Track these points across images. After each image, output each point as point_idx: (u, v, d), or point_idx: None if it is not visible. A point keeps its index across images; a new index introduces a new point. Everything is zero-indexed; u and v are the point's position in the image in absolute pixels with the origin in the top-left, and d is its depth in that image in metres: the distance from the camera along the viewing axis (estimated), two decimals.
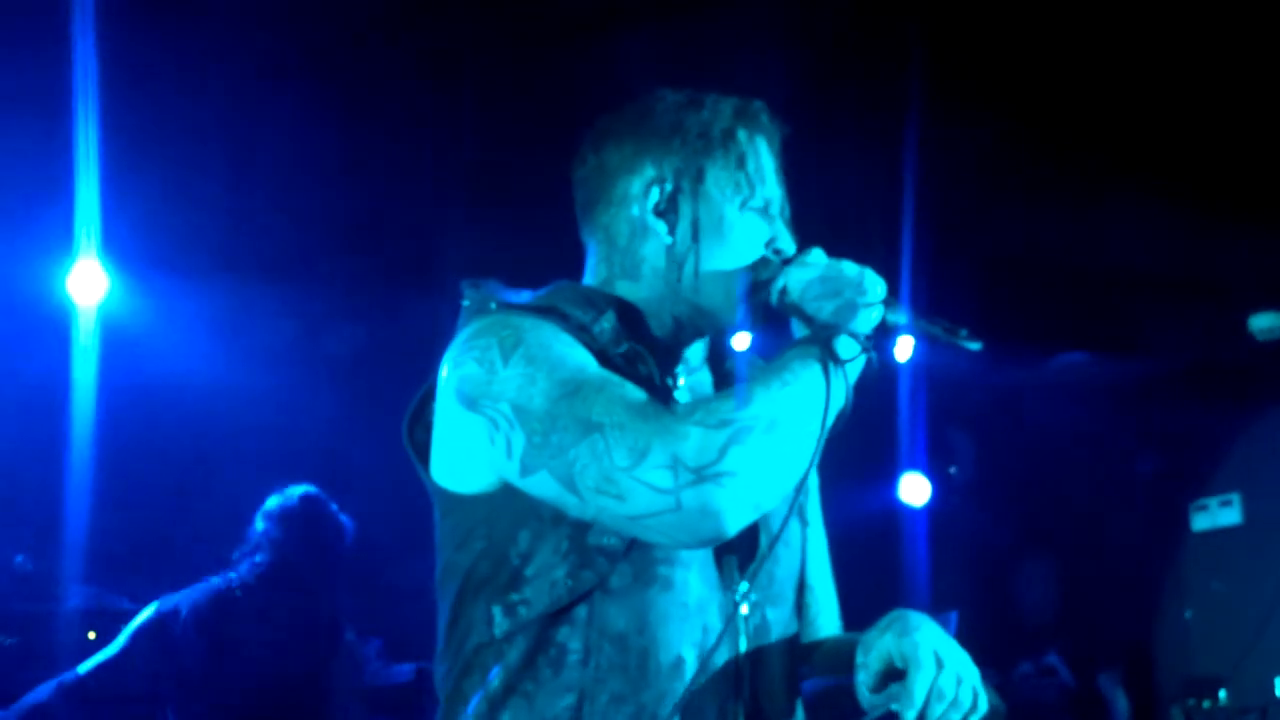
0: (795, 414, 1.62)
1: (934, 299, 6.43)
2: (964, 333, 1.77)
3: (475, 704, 1.76)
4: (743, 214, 1.87)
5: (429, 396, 1.81)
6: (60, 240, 4.96)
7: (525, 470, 1.65)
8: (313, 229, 5.59)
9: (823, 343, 1.70)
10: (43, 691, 3.97)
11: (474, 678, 1.77)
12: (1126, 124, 5.19)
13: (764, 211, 1.88)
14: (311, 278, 5.85)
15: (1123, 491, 7.52)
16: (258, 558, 4.17)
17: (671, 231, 1.87)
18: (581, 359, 1.70)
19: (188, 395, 5.69)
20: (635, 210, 1.89)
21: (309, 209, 5.45)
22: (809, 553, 2.04)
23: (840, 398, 1.67)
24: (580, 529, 1.71)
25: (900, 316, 1.76)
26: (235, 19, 4.51)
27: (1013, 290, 6.62)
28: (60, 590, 5.13)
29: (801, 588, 1.98)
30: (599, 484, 1.59)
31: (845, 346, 1.70)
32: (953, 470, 8.04)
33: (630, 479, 1.57)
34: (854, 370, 1.71)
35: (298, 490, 4.29)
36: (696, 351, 1.96)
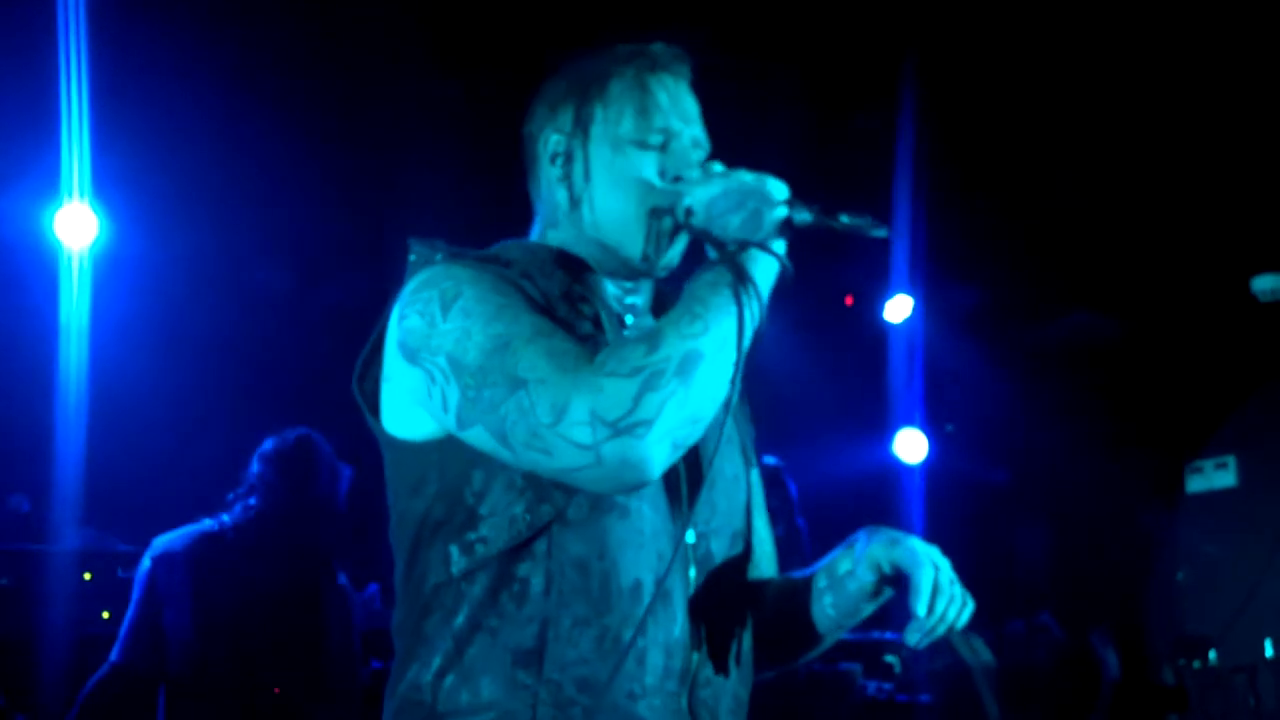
0: (707, 346, 1.66)
1: (942, 258, 6.46)
2: (868, 220, 1.78)
3: (440, 643, 1.78)
4: (633, 150, 1.90)
5: (377, 347, 1.85)
6: (49, 183, 4.93)
7: (461, 424, 1.71)
8: (308, 173, 5.56)
9: (731, 262, 1.73)
10: (97, 694, 3.99)
11: (434, 618, 1.79)
12: (1127, 84, 5.16)
13: (663, 145, 1.91)
14: (307, 221, 5.82)
15: (1119, 451, 7.51)
16: (251, 500, 4.16)
17: (568, 178, 1.94)
18: (518, 307, 1.74)
19: (182, 337, 5.68)
20: (545, 166, 1.97)
21: (305, 152, 5.42)
22: (753, 496, 2.06)
23: (754, 318, 1.71)
24: None
25: (806, 215, 1.76)
26: None
27: (1018, 250, 6.61)
28: (56, 531, 5.13)
29: (749, 527, 2.01)
30: (527, 440, 1.65)
31: (756, 260, 1.74)
32: (949, 427, 8.04)
33: (554, 435, 1.63)
34: (767, 282, 1.75)
35: (294, 433, 4.28)
36: (643, 291, 1.98)
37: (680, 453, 1.67)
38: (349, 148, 5.50)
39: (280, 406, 4.83)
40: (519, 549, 1.75)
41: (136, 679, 4.00)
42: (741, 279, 1.71)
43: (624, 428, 1.60)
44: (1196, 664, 6.92)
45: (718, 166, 1.88)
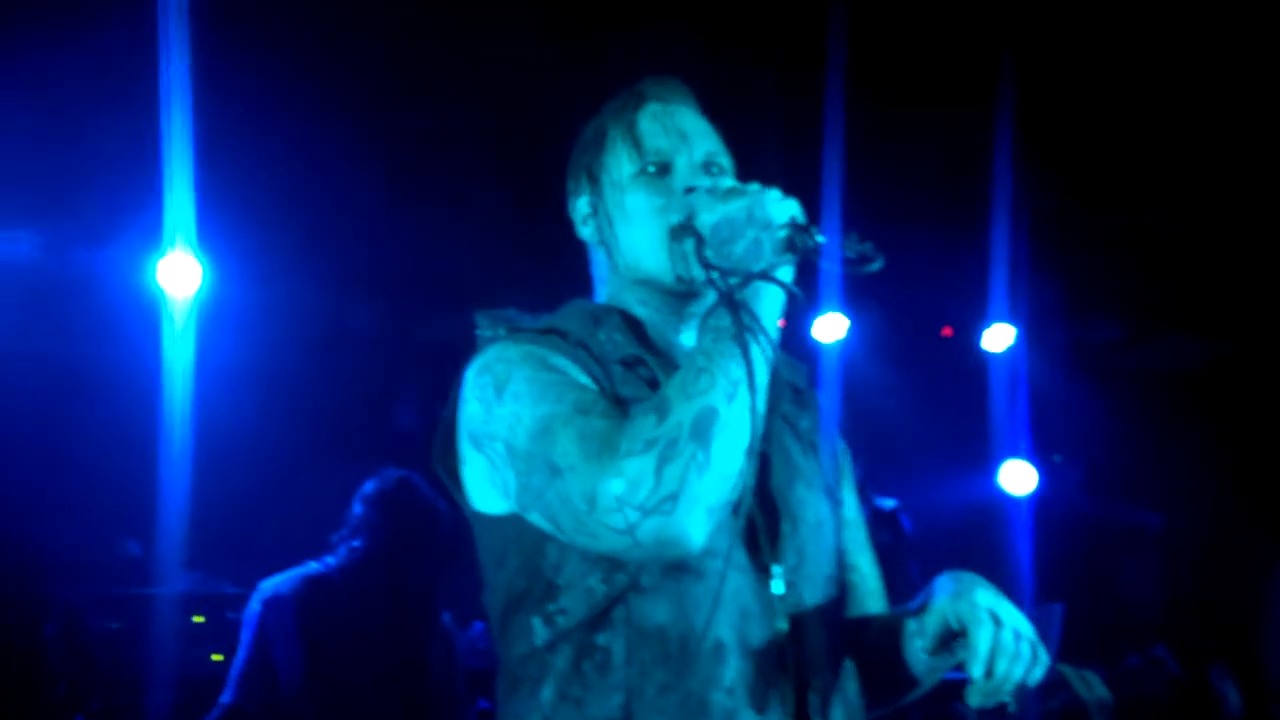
0: (718, 400, 1.64)
1: (1043, 285, 6.36)
2: (869, 248, 1.71)
3: (527, 717, 1.79)
4: (636, 183, 1.92)
5: (450, 424, 1.88)
6: (152, 232, 5.04)
7: (521, 508, 1.76)
8: (405, 217, 5.63)
9: (731, 303, 1.71)
10: None
11: (522, 690, 1.81)
12: (1237, 101, 5.04)
13: (662, 169, 1.92)
14: (403, 264, 5.89)
15: (1234, 479, 7.32)
16: (355, 541, 4.21)
17: (598, 232, 1.98)
18: (564, 383, 1.76)
19: (283, 381, 5.77)
20: (582, 232, 2.03)
21: (402, 195, 5.49)
22: (847, 532, 2.03)
23: (764, 355, 1.69)
24: None
25: (809, 241, 1.71)
26: (327, 13, 4.55)
27: (1123, 276, 6.49)
28: (164, 575, 5.22)
29: (842, 567, 1.97)
30: (574, 526, 1.67)
31: (759, 292, 1.71)
32: (1057, 458, 7.90)
33: (593, 522, 1.64)
34: (773, 313, 1.73)
35: (394, 474, 4.33)
36: (691, 338, 1.96)
37: (718, 515, 1.65)
38: (445, 191, 5.55)
39: (380, 448, 4.88)
40: (598, 618, 1.75)
41: (248, 718, 4.06)
42: (744, 318, 1.69)
43: (652, 507, 1.60)
44: None
45: (725, 183, 1.87)
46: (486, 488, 1.82)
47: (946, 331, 7.37)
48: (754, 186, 1.79)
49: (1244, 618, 7.48)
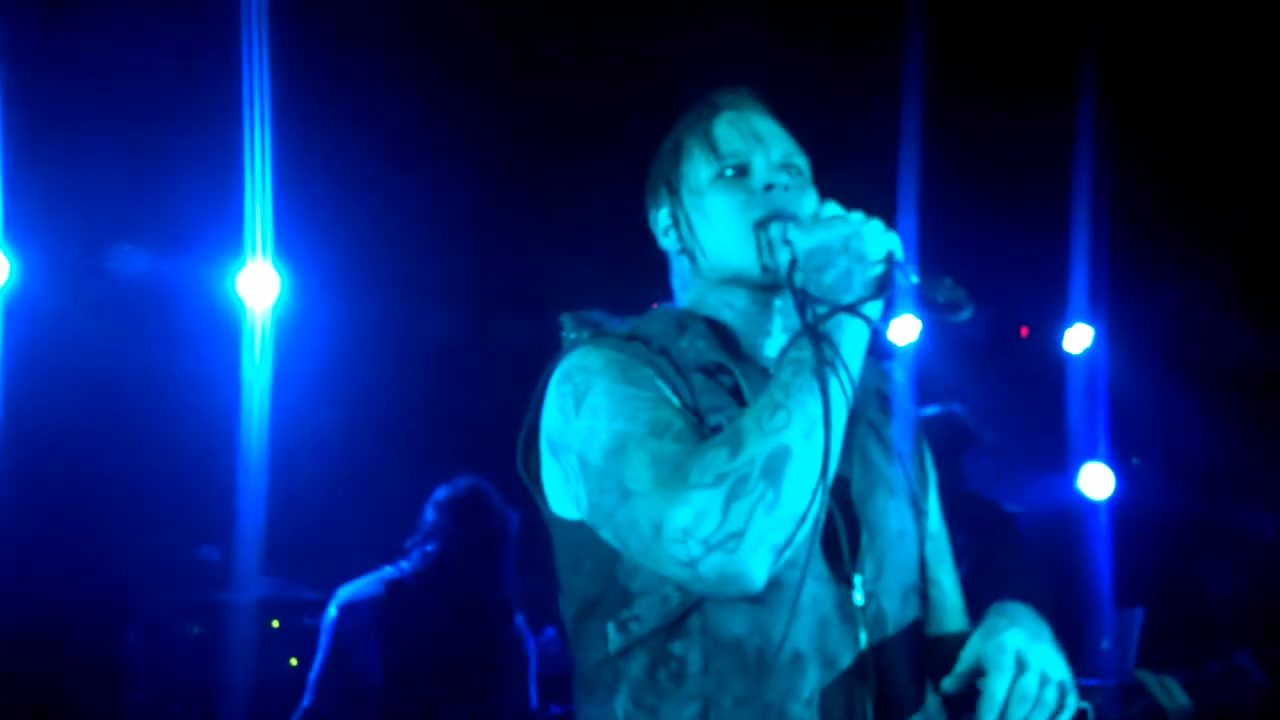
0: (793, 439, 1.62)
1: (1123, 283, 6.27)
2: (963, 295, 1.70)
3: None
4: (715, 186, 1.93)
5: (534, 428, 1.88)
6: (232, 243, 5.10)
7: (593, 523, 1.76)
8: (480, 223, 5.65)
9: (814, 334, 1.68)
10: None
11: (596, 696, 1.80)
12: None
13: (740, 170, 1.93)
14: (479, 271, 5.91)
15: None
16: (428, 546, 4.27)
17: (680, 240, 1.99)
18: (642, 398, 1.75)
19: (359, 389, 5.81)
20: (663, 242, 2.05)
21: (476, 201, 5.51)
22: (930, 546, 2.01)
23: (843, 392, 1.66)
24: None
25: (904, 280, 1.70)
26: (407, 21, 4.58)
27: (1205, 273, 6.38)
28: (243, 580, 5.27)
29: (924, 580, 1.95)
30: (640, 550, 1.68)
31: (843, 326, 1.69)
32: (1136, 461, 7.78)
33: (658, 550, 1.64)
34: (857, 348, 1.70)
35: (465, 481, 4.37)
36: (778, 340, 1.95)
37: (784, 556, 1.63)
38: (519, 196, 5.57)
39: (455, 454, 4.90)
40: (673, 626, 1.74)
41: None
42: (826, 352, 1.66)
43: (716, 543, 1.59)
44: None
45: (830, 209, 1.82)
46: (563, 494, 1.83)
47: (1024, 332, 7.29)
48: (857, 216, 1.77)
49: None
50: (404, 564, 4.30)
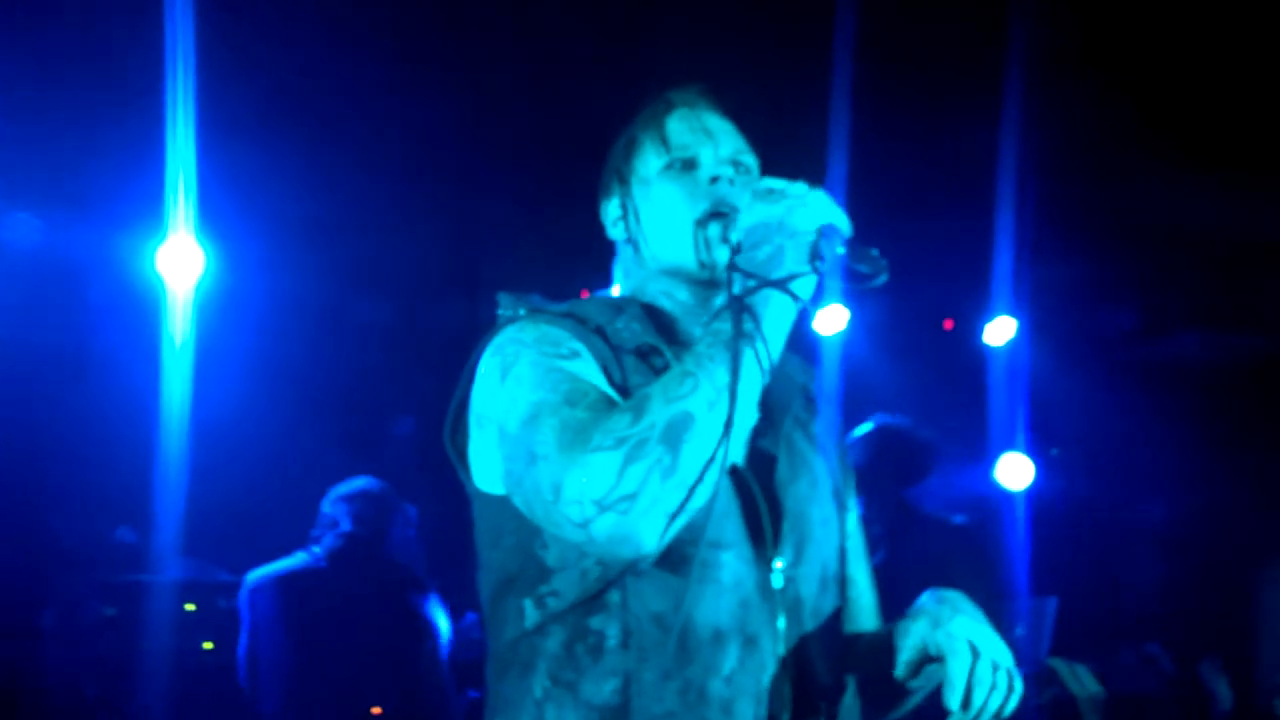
0: (696, 407, 1.63)
1: (1044, 278, 6.35)
2: (884, 265, 1.72)
3: (522, 706, 1.78)
4: (663, 178, 1.96)
5: (463, 402, 1.88)
6: (153, 218, 5.01)
7: (509, 493, 1.77)
8: (407, 205, 5.61)
9: (736, 308, 1.70)
10: None
11: (511, 674, 1.80)
12: (1251, 97, 5.02)
13: (688, 164, 1.96)
14: (406, 253, 5.87)
15: (1231, 477, 7.33)
16: (336, 531, 4.25)
17: (627, 229, 2.01)
18: (564, 371, 1.76)
19: (283, 370, 5.76)
20: (611, 232, 2.07)
21: (404, 183, 5.47)
22: (848, 543, 2.04)
23: (757, 366, 1.68)
24: None
25: (834, 253, 1.72)
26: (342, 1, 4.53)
27: (1124, 268, 6.48)
28: (160, 562, 5.22)
29: (843, 577, 1.98)
30: (543, 515, 1.68)
31: (768, 301, 1.70)
32: (1054, 452, 7.90)
33: (556, 513, 1.64)
34: (781, 323, 1.71)
35: (359, 481, 4.39)
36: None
37: (679, 523, 1.63)
38: (447, 179, 5.53)
39: (380, 438, 4.88)
40: (591, 602, 1.75)
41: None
42: (746, 325, 1.68)
43: (609, 504, 1.60)
44: None
45: (768, 183, 1.83)
46: (486, 466, 1.83)
47: (948, 324, 7.37)
48: (799, 188, 1.79)
49: (1238, 614, 7.50)
50: (315, 549, 4.29)
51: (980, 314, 7.00)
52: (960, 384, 7.20)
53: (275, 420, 5.82)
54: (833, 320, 6.32)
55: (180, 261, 5.16)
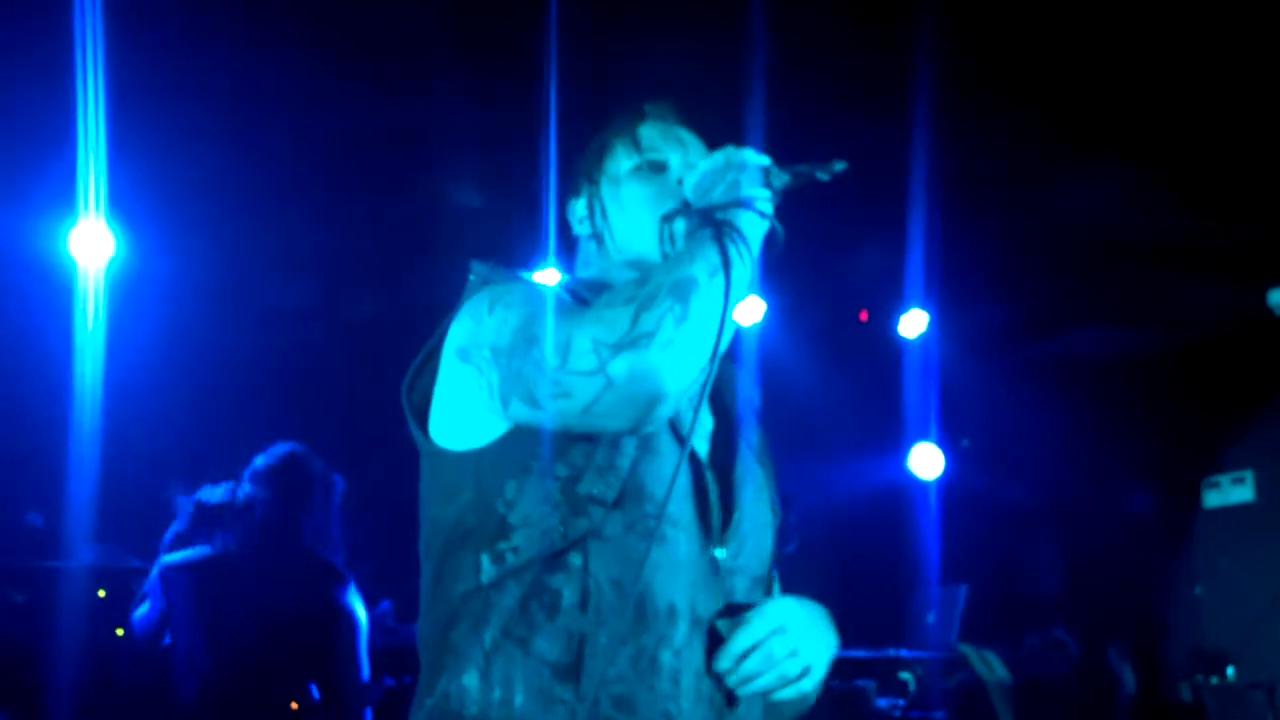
0: (699, 273, 1.69)
1: (957, 272, 6.45)
2: (834, 162, 1.82)
3: (469, 653, 1.78)
4: (633, 177, 2.03)
5: (430, 357, 1.90)
6: (64, 199, 4.93)
7: (504, 403, 1.76)
8: (325, 189, 5.57)
9: (711, 219, 1.77)
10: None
11: (462, 627, 1.80)
12: (1145, 101, 5.13)
13: (658, 167, 2.02)
14: (323, 237, 5.82)
15: (1135, 466, 7.49)
16: (249, 517, 4.16)
17: (591, 225, 2.06)
18: (554, 299, 1.80)
19: (198, 353, 5.70)
20: (576, 228, 2.12)
21: (322, 167, 5.43)
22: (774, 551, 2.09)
23: (742, 260, 1.73)
24: (570, 480, 1.78)
25: (784, 175, 1.82)
26: None
27: (1033, 264, 6.58)
28: (70, 547, 5.15)
29: (769, 581, 2.03)
30: (550, 390, 1.68)
31: (738, 215, 1.77)
32: (965, 442, 8.02)
33: (565, 374, 1.66)
34: (753, 234, 1.77)
35: (282, 448, 4.29)
36: None
37: (688, 376, 1.67)
38: (366, 162, 5.50)
39: (297, 422, 4.83)
40: (552, 561, 1.76)
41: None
42: (724, 230, 1.74)
43: (626, 344, 1.63)
44: (1214, 680, 6.88)
45: (707, 153, 1.94)
46: (462, 413, 1.83)
47: (863, 316, 7.45)
48: (728, 148, 1.87)
49: (1143, 601, 7.68)
50: (228, 537, 4.19)
51: (895, 307, 7.09)
52: (875, 375, 7.29)
53: (188, 403, 5.76)
54: (749, 312, 6.38)
55: (92, 244, 5.08)
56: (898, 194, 5.44)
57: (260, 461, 4.26)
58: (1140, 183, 5.55)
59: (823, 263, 5.93)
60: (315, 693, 4.09)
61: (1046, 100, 5.07)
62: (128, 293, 5.27)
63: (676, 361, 1.64)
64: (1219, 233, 5.99)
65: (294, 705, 4.06)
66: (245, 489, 4.22)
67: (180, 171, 5.18)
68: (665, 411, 1.68)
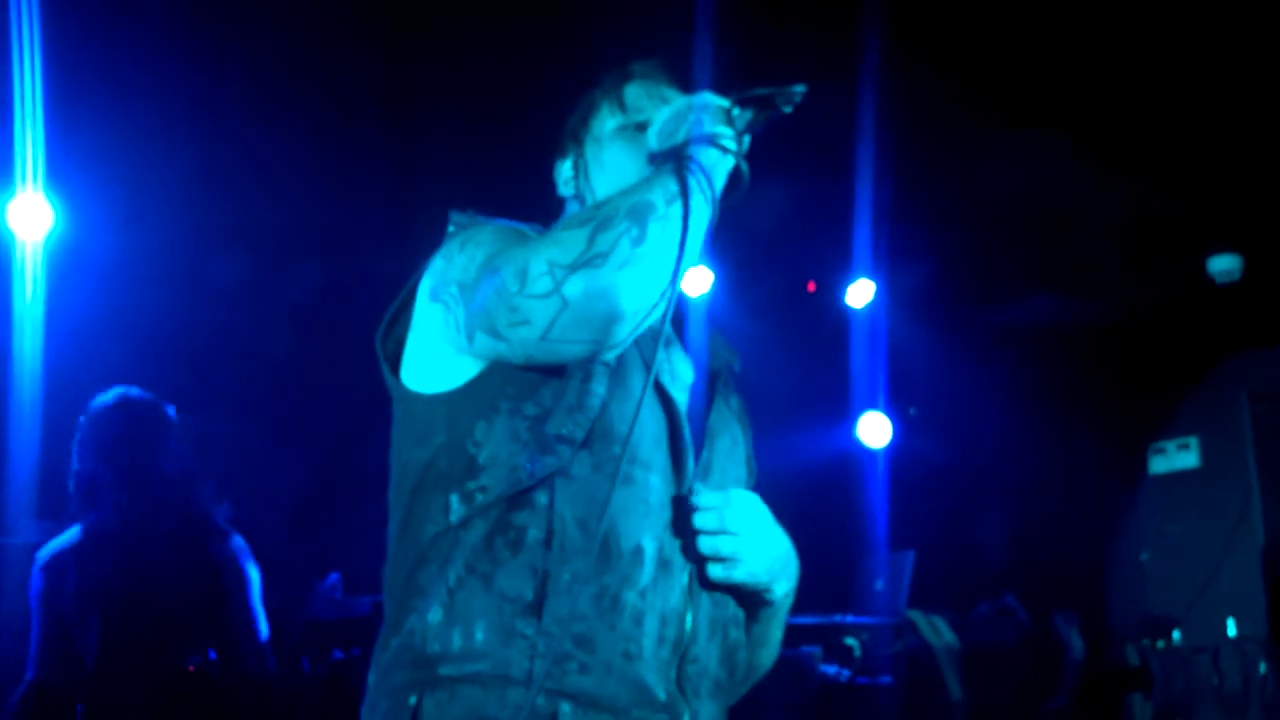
0: (656, 199, 1.70)
1: (903, 242, 6.48)
2: (797, 92, 1.83)
3: (435, 591, 1.78)
4: (617, 137, 2.03)
5: (405, 304, 1.91)
6: (2, 172, 4.85)
7: (470, 338, 1.77)
8: (268, 162, 5.50)
9: (674, 154, 1.77)
10: (19, 714, 3.88)
11: (430, 568, 1.80)
12: (1089, 73, 5.16)
13: (642, 127, 1.99)
14: (266, 211, 5.75)
15: (1082, 432, 7.55)
16: (107, 500, 4.00)
17: (576, 186, 2.06)
18: (524, 236, 1.82)
19: (139, 328, 5.62)
20: (562, 189, 2.11)
21: (265, 139, 5.36)
22: None
23: (703, 192, 1.73)
24: (539, 419, 1.78)
25: (746, 113, 1.81)
26: None
27: (978, 234, 6.62)
28: (12, 524, 5.08)
29: None
30: (509, 319, 1.70)
31: (701, 150, 1.77)
32: (912, 411, 8.07)
33: (523, 299, 1.68)
34: (717, 170, 1.77)
35: (110, 395, 4.14)
36: None
37: (645, 298, 1.67)
38: (308, 136, 5.44)
39: (239, 396, 4.78)
40: (518, 499, 1.76)
41: (55, 693, 3.90)
42: (684, 163, 1.74)
43: (580, 264, 1.65)
44: (1160, 644, 6.98)
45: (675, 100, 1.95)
46: (433, 353, 1.84)
47: (811, 286, 7.47)
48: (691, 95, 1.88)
49: (1090, 567, 7.76)
50: (98, 511, 4.02)
51: (842, 277, 7.11)
52: (823, 345, 7.31)
53: (128, 378, 5.67)
54: (697, 282, 6.37)
55: (30, 217, 5.00)
56: (845, 165, 5.45)
57: (89, 438, 4.06)
58: (1084, 153, 5.59)
59: (771, 234, 5.92)
60: (212, 654, 4.00)
61: (991, 71, 5.10)
62: (67, 266, 5.20)
63: (632, 281, 1.65)
64: (1162, 201, 6.04)
65: (190, 669, 3.97)
66: (90, 462, 4.04)
67: (119, 143, 5.10)
68: (623, 333, 1.69)
